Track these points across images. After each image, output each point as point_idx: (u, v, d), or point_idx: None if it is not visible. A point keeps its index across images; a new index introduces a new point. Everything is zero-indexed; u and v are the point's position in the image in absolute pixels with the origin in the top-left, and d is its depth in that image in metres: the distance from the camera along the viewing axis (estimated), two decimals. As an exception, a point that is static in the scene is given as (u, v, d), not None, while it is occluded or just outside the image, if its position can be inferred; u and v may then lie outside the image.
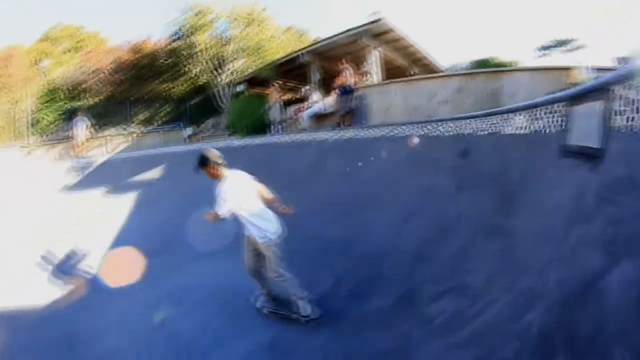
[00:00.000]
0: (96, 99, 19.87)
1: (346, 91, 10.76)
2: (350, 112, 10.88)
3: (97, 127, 17.87)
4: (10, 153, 14.85)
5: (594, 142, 2.53)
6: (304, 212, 7.71)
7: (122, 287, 6.31)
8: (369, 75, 12.86)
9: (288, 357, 4.02)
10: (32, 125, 17.58)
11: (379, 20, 11.55)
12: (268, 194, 5.09)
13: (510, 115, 4.43)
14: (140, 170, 12.63)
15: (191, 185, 5.59)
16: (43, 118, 18.26)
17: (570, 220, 2.56)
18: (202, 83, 19.33)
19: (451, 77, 10.21)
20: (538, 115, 3.73)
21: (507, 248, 3.49)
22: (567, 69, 7.40)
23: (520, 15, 67.93)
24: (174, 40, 18.69)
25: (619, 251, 1.88)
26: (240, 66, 17.29)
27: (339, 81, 10.90)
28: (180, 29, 17.44)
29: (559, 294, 2.22)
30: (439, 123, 6.42)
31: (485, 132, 5.01)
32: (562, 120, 3.27)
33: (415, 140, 6.84)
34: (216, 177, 4.48)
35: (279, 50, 17.48)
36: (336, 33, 13.17)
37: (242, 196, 4.45)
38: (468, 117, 5.66)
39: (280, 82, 16.12)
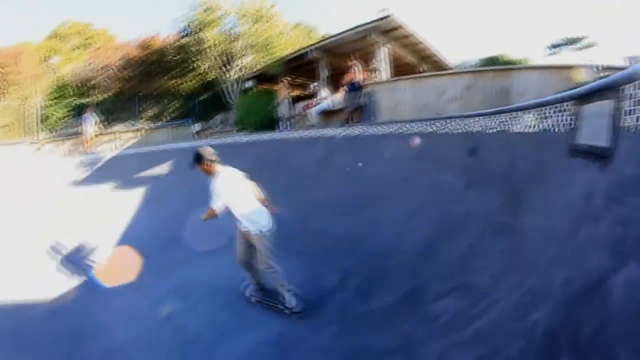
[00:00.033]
0: (105, 95, 20.02)
1: (355, 88, 10.76)
2: (359, 109, 10.87)
3: (106, 122, 18.04)
4: (20, 149, 14.95)
5: (603, 142, 2.51)
6: (312, 208, 7.76)
7: (129, 281, 6.37)
8: (377, 72, 12.82)
9: (293, 353, 4.03)
10: (42, 121, 17.73)
11: (388, 16, 11.50)
12: (258, 192, 5.26)
13: (519, 113, 4.42)
14: (148, 166, 12.69)
15: (199, 180, 5.61)
16: (52, 114, 18.41)
17: (579, 219, 2.55)
18: (210, 79, 19.35)
19: (460, 74, 10.14)
20: (547, 114, 3.72)
21: (514, 247, 3.48)
22: (576, 67, 7.36)
23: (530, 13, 67.37)
24: (182, 37, 18.77)
25: (627, 251, 1.87)
26: (248, 62, 17.33)
27: (347, 78, 10.89)
28: (189, 25, 17.50)
29: (565, 293, 2.21)
30: (448, 120, 6.40)
31: (494, 130, 5.00)
32: (571, 119, 3.26)
33: (417, 140, 6.84)
34: (210, 173, 4.69)
35: (287, 47, 17.49)
36: (345, 29, 13.12)
37: (235, 191, 4.67)
38: (477, 115, 5.64)
39: (289, 79, 16.11)
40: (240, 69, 17.30)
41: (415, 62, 16.00)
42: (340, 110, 12.09)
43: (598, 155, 2.57)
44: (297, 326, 4.49)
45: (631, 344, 1.59)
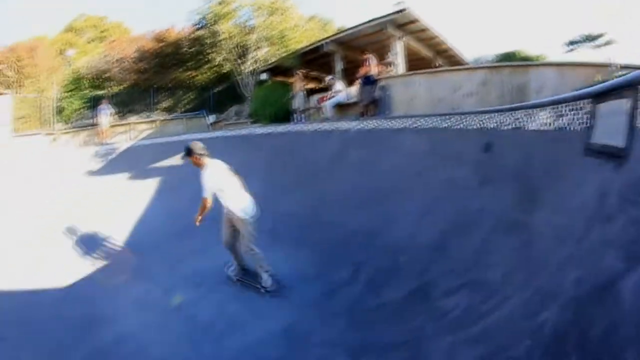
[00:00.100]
0: (120, 87, 20.20)
1: (369, 81, 10.73)
2: (374, 103, 10.84)
3: (121, 114, 18.25)
4: (37, 139, 15.15)
5: (618, 141, 2.50)
6: (326, 201, 7.80)
7: (142, 269, 6.47)
8: (393, 65, 12.77)
9: (302, 345, 4.07)
10: (58, 113, 17.94)
11: (403, 10, 11.43)
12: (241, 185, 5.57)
13: (535, 110, 4.38)
14: (163, 157, 12.79)
15: None
16: (68, 106, 18.64)
17: (592, 219, 2.53)
18: (225, 71, 19.38)
19: (476, 69, 10.05)
20: (563, 112, 3.69)
21: (526, 245, 3.47)
22: (595, 65, 7.27)
23: (548, 9, 66.47)
24: (197, 29, 18.82)
25: (640, 253, 1.88)
26: (263, 55, 17.31)
27: (362, 71, 10.87)
28: (203, 18, 17.51)
29: (576, 293, 2.21)
30: (463, 116, 6.36)
31: (509, 127, 4.97)
32: (587, 118, 3.24)
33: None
34: (199, 165, 5.19)
35: (302, 39, 17.42)
36: (360, 22, 13.02)
37: (222, 180, 5.18)
38: (492, 111, 5.60)
39: (304, 71, 16.09)
40: (255, 62, 17.29)
41: (430, 56, 15.87)
42: (355, 104, 12.04)
43: (613, 155, 2.56)
44: (307, 318, 4.54)
45: (640, 347, 1.60)
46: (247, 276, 5.65)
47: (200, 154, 5.21)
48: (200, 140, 13.17)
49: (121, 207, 9.57)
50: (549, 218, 3.35)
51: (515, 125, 4.84)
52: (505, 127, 5.07)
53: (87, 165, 13.09)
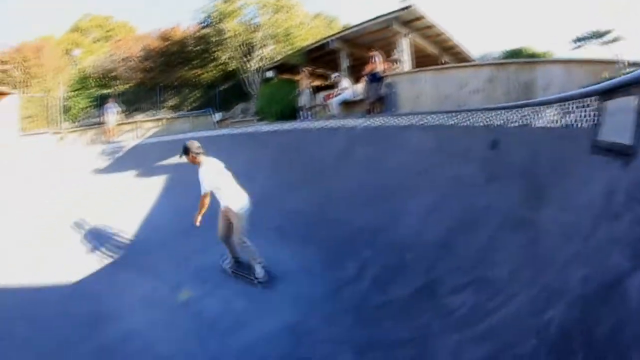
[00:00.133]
0: (126, 86, 20.32)
1: (376, 78, 10.73)
2: (380, 100, 10.84)
3: (127, 112, 18.35)
4: (44, 138, 15.27)
5: (626, 139, 2.48)
6: (332, 198, 7.82)
7: (149, 267, 6.51)
8: (399, 62, 12.75)
9: (307, 342, 4.08)
10: (64, 112, 18.10)
11: (409, 7, 11.41)
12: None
13: (542, 107, 4.37)
14: (169, 155, 12.77)
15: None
16: (75, 105, 18.80)
17: (598, 217, 2.53)
18: (231, 69, 19.37)
19: (482, 66, 10.00)
20: (570, 109, 3.67)
21: (532, 242, 3.46)
22: (603, 62, 7.23)
23: (555, 4, 65.97)
24: (203, 28, 18.83)
25: (647, 251, 1.87)
26: (269, 52, 17.31)
27: (368, 68, 10.87)
28: (209, 16, 17.53)
29: (582, 291, 2.20)
30: (469, 113, 6.35)
31: (516, 124, 4.95)
32: (594, 115, 3.22)
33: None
34: (196, 163, 5.48)
35: (308, 37, 17.40)
36: (366, 20, 13.02)
37: (218, 176, 5.45)
38: (499, 108, 5.58)
39: (310, 69, 16.10)
40: (261, 59, 17.29)
41: (437, 53, 15.84)
42: (361, 101, 12.05)
43: (620, 153, 2.54)
44: (313, 315, 4.56)
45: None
46: (241, 268, 5.89)
47: (197, 153, 5.47)
48: (207, 138, 13.34)
49: (128, 204, 9.61)
50: (555, 216, 3.34)
51: (522, 122, 4.82)
52: (512, 125, 5.05)
53: (94, 164, 13.16)
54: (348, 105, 12.77)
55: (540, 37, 52.95)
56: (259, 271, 5.51)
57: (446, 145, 6.64)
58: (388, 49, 12.81)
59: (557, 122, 3.97)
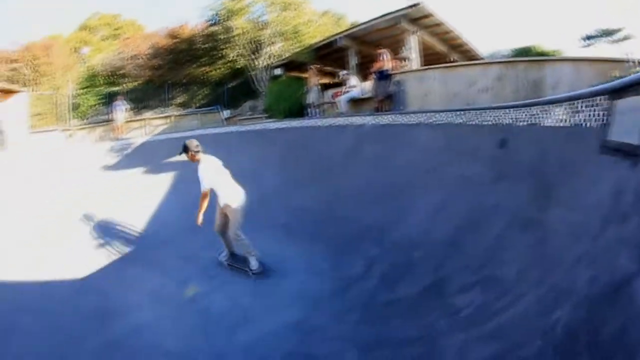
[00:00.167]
0: (135, 83, 20.45)
1: (384, 76, 10.71)
2: (389, 98, 10.82)
3: (136, 110, 18.45)
4: (53, 136, 15.43)
5: (635, 139, 2.47)
6: (340, 196, 7.83)
7: (157, 262, 6.56)
8: (407, 60, 12.72)
9: (313, 339, 4.09)
10: (73, 109, 18.29)
11: (417, 4, 11.36)
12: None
13: (551, 106, 4.35)
14: (178, 151, 12.88)
15: (228, 164, 5.86)
16: (83, 102, 18.99)
17: (607, 218, 2.52)
18: (239, 67, 19.38)
19: (491, 64, 9.95)
20: (579, 108, 3.64)
21: (540, 242, 3.45)
22: (612, 60, 7.18)
23: (564, 2, 65.24)
24: (210, 25, 18.87)
25: (656, 253, 1.87)
26: (277, 50, 17.31)
27: (376, 65, 10.86)
28: (216, 14, 17.57)
29: (589, 292, 2.20)
30: (478, 111, 6.33)
31: (525, 123, 4.93)
32: (603, 114, 3.20)
33: None
34: (194, 161, 5.79)
35: (316, 35, 17.37)
36: (374, 17, 12.97)
37: (216, 173, 5.74)
38: (507, 107, 5.56)
39: (318, 66, 16.09)
40: (269, 57, 17.30)
41: (445, 51, 15.76)
42: (369, 99, 12.03)
43: (629, 153, 2.53)
44: (319, 313, 4.57)
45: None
46: (236, 261, 6.11)
47: (195, 151, 5.78)
48: (215, 135, 13.40)
49: (136, 201, 9.67)
50: (563, 215, 3.33)
51: (530, 121, 4.80)
52: (521, 123, 5.03)
53: (103, 160, 13.27)
54: (356, 103, 12.76)
55: (550, 35, 52.44)
56: (254, 263, 5.74)
57: (454, 143, 6.62)
58: (396, 47, 12.77)
59: (566, 121, 3.95)
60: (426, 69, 10.93)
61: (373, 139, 8.88)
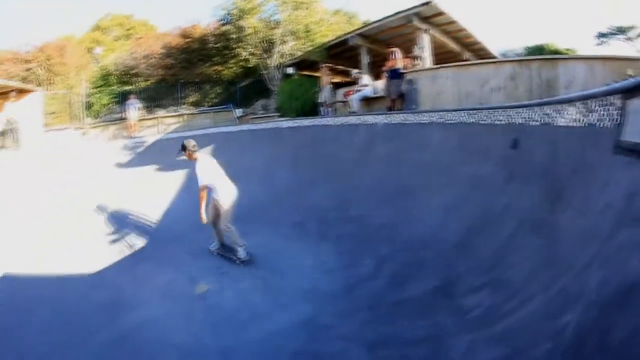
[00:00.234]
0: (147, 82, 20.63)
1: (396, 75, 10.69)
2: (401, 97, 10.79)
3: (148, 108, 18.62)
4: (67, 133, 15.65)
5: (649, 140, 2.45)
6: (352, 195, 7.84)
7: (168, 258, 6.63)
8: (419, 59, 12.66)
9: (321, 337, 4.11)
10: (87, 108, 18.59)
11: (429, 2, 11.31)
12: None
13: (564, 106, 4.30)
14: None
15: (239, 162, 5.94)
16: (97, 101, 19.30)
17: (619, 220, 2.47)
18: (251, 66, 19.54)
19: (504, 63, 9.86)
20: (592, 108, 3.59)
21: (550, 244, 3.41)
22: (627, 59, 7.10)
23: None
24: (222, 25, 19.03)
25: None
26: (289, 49, 17.34)
27: (388, 64, 10.84)
28: (228, 13, 17.66)
29: (599, 296, 2.16)
30: (491, 111, 6.29)
31: (537, 123, 4.87)
32: (617, 114, 3.16)
33: None
34: (192, 159, 6.26)
35: (327, 33, 17.40)
36: (386, 15, 12.95)
37: (212, 171, 6.21)
38: (520, 106, 5.51)
39: (330, 65, 16.09)
40: (281, 56, 17.35)
41: (458, 49, 15.65)
42: (381, 98, 12.02)
43: (643, 154, 2.51)
44: (328, 311, 4.58)
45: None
46: (225, 250, 6.54)
47: (193, 150, 6.25)
48: (228, 133, 13.47)
49: (149, 198, 9.75)
50: (575, 217, 3.28)
51: (543, 120, 4.75)
52: (534, 123, 4.97)
53: (116, 158, 13.40)
54: (368, 102, 12.74)
55: (563, 33, 51.90)
56: (241, 252, 6.19)
57: (467, 143, 6.58)
58: (408, 45, 12.72)
59: (579, 121, 3.89)
60: (438, 68, 10.87)
61: (385, 138, 8.87)
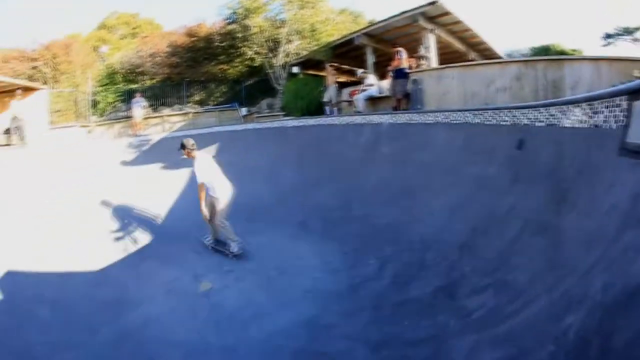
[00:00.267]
0: (153, 81, 20.66)
1: (401, 74, 10.67)
2: (407, 97, 10.77)
3: (154, 107, 18.65)
4: (72, 131, 15.73)
5: (655, 141, 2.44)
6: (356, 195, 7.85)
7: (172, 256, 6.67)
8: (425, 59, 12.63)
9: (323, 336, 4.12)
10: (92, 106, 18.66)
11: (435, 2, 11.28)
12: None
13: (570, 107, 4.29)
14: (197, 148, 12.99)
15: (244, 161, 5.95)
16: (102, 99, 19.38)
17: (624, 222, 2.46)
18: (257, 65, 19.55)
19: (510, 63, 9.81)
20: (598, 109, 3.57)
21: (554, 246, 3.40)
22: (633, 60, 7.06)
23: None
24: (228, 24, 19.03)
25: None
26: (294, 48, 17.33)
27: (393, 64, 10.83)
28: (234, 12, 17.67)
29: (603, 299, 2.14)
30: (496, 111, 6.27)
31: (543, 124, 4.85)
32: (623, 116, 3.14)
33: None
34: (190, 157, 6.54)
35: (333, 33, 17.37)
36: (391, 15, 12.89)
37: (209, 169, 6.46)
38: (525, 107, 5.48)
39: (335, 65, 16.08)
40: (287, 55, 17.34)
41: (463, 49, 15.58)
42: (387, 97, 12.00)
43: (648, 156, 2.49)
44: (331, 311, 4.60)
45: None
46: (220, 245, 6.77)
47: (191, 149, 6.50)
48: (233, 132, 13.49)
49: (154, 195, 9.77)
50: (580, 219, 3.26)
51: (549, 121, 4.73)
52: (539, 124, 4.96)
53: (122, 156, 13.44)
54: (374, 102, 12.72)
55: (570, 34, 51.58)
56: (234, 246, 6.44)
57: (472, 143, 6.56)
58: (414, 45, 12.69)
59: (584, 122, 3.88)
60: (444, 68, 10.83)
61: (390, 137, 8.87)
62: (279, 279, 5.56)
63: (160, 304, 5.12)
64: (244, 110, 18.82)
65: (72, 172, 10.88)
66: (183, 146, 6.52)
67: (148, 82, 20.48)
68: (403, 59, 10.68)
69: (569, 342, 2.20)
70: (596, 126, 3.60)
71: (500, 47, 17.68)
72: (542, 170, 4.48)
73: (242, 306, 4.92)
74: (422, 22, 12.19)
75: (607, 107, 3.41)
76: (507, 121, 5.88)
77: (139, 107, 16.55)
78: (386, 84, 12.16)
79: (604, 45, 21.15)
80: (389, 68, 11.06)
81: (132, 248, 7.22)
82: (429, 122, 8.04)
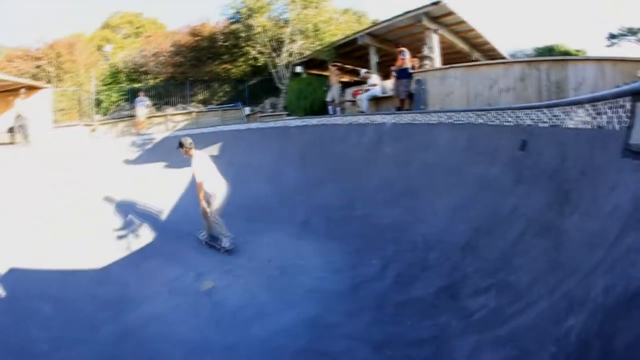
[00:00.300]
0: (157, 80, 20.76)
1: (405, 74, 10.67)
2: (410, 97, 10.76)
3: (157, 106, 18.70)
4: (76, 130, 15.79)
5: (658, 143, 2.43)
6: (359, 195, 7.85)
7: (175, 255, 6.69)
8: (428, 59, 12.62)
9: (326, 336, 4.11)
10: (96, 105, 18.76)
11: (439, 2, 11.27)
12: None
13: (573, 107, 4.27)
14: (199, 147, 12.97)
15: (247, 161, 5.95)
16: (106, 98, 19.52)
17: (626, 224, 2.45)
18: (260, 64, 19.61)
19: (513, 64, 9.78)
20: (601, 110, 3.56)
21: (556, 248, 3.39)
22: (637, 60, 7.03)
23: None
24: (232, 23, 19.07)
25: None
26: (298, 48, 17.33)
27: (397, 64, 10.83)
28: (238, 12, 17.68)
29: (605, 301, 2.13)
30: (499, 112, 6.26)
31: (546, 125, 4.85)
32: (627, 117, 3.13)
33: None
34: (188, 155, 6.82)
35: (336, 32, 17.34)
36: (395, 15, 12.89)
37: (206, 167, 6.73)
38: (529, 107, 5.48)
39: (339, 64, 16.08)
40: (290, 54, 17.35)
41: (467, 50, 15.55)
42: (390, 97, 12.01)
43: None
44: (333, 310, 4.59)
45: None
46: (213, 240, 6.99)
47: (189, 147, 6.77)
48: (236, 131, 13.51)
49: (158, 194, 9.76)
50: (582, 221, 3.25)
51: (552, 122, 4.72)
52: (542, 125, 4.95)
53: (124, 155, 13.47)
54: (377, 102, 12.74)
55: (573, 34, 51.43)
56: (225, 242, 6.66)
57: (475, 144, 6.56)
58: (417, 45, 12.67)
59: (587, 123, 3.87)
60: (447, 68, 10.81)
61: (393, 137, 8.87)
62: (281, 278, 5.57)
63: (162, 303, 5.13)
64: (247, 110, 18.86)
65: (73, 172, 10.89)
66: (181, 145, 6.79)
67: (151, 81, 20.57)
68: (406, 59, 10.68)
69: (570, 343, 2.19)
70: (599, 127, 3.60)
71: (503, 47, 17.67)
72: (545, 171, 4.47)
73: (244, 305, 4.92)
74: (426, 22, 12.18)
75: (610, 108, 3.40)
76: (510, 122, 5.88)
77: (143, 106, 16.58)
78: (389, 84, 12.16)
79: (608, 46, 21.12)
80: (393, 68, 11.08)
81: (134, 246, 7.22)
82: (432, 122, 8.03)
